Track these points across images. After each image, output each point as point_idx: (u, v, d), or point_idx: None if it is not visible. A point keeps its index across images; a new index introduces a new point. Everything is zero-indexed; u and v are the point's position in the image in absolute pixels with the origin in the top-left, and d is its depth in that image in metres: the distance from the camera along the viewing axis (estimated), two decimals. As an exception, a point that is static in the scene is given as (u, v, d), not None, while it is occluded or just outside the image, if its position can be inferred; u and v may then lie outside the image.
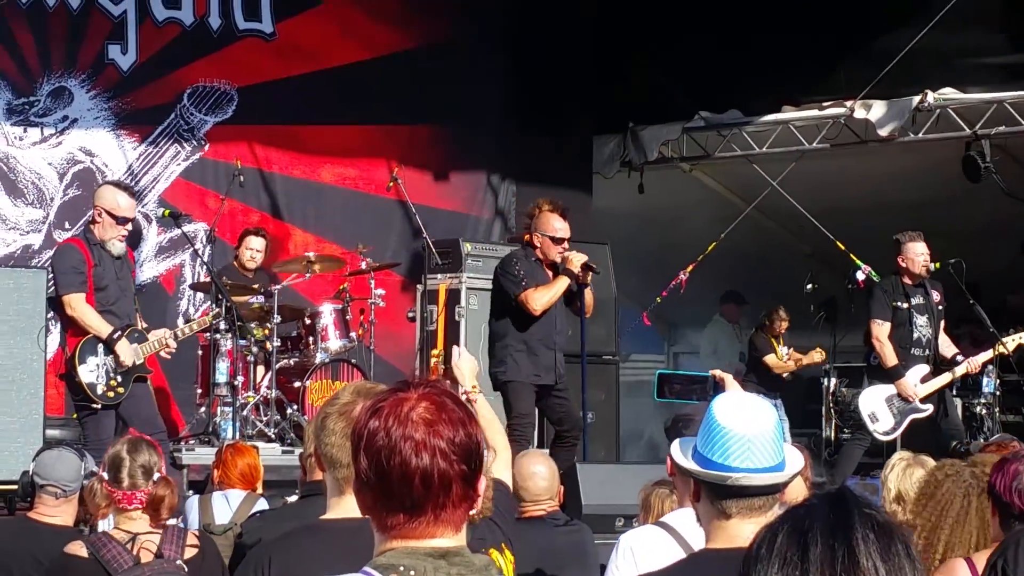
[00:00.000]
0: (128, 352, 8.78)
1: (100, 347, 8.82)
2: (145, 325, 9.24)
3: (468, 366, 4.63)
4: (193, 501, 7.51)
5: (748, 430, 3.23)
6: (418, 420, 2.34)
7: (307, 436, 4.26)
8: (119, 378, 8.81)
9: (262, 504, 7.23)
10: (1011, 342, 10.98)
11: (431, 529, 2.35)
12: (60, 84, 12.11)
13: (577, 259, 9.35)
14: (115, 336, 8.76)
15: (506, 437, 4.69)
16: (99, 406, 8.77)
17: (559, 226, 9.38)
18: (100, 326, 8.78)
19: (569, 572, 6.05)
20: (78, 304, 8.77)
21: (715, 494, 3.28)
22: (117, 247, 8.87)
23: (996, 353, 10.92)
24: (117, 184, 9.44)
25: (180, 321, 9.25)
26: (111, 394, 8.80)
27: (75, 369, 8.75)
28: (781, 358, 13.60)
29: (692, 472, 3.32)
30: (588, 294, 9.57)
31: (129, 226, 8.92)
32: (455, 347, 4.43)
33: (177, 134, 12.60)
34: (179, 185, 12.50)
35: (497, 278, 9.76)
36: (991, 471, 4.42)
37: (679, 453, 3.37)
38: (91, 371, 8.77)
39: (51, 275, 8.97)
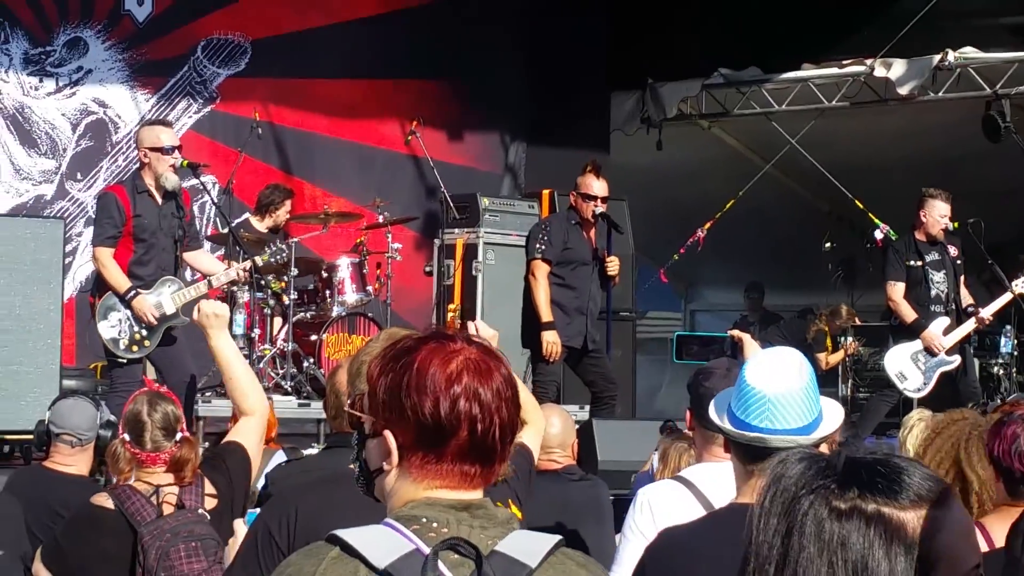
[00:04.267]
0: (146, 307, 8.58)
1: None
2: (206, 271, 9.00)
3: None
4: None
5: (772, 390, 3.23)
6: (476, 370, 2.24)
7: (332, 386, 4.16)
8: (144, 331, 8.68)
9: (280, 457, 7.17)
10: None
11: (457, 482, 2.26)
12: (76, 35, 12.06)
13: (613, 267, 9.80)
14: (130, 295, 8.56)
15: (539, 409, 4.61)
16: (124, 361, 8.64)
17: (594, 184, 9.72)
18: (119, 283, 8.60)
19: (585, 527, 6.01)
20: (103, 257, 8.61)
21: (739, 451, 3.33)
22: (171, 180, 8.61)
23: (1012, 298, 10.63)
24: (151, 122, 9.52)
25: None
26: (135, 348, 8.64)
27: (97, 325, 8.62)
28: (826, 360, 13.39)
29: (719, 428, 3.37)
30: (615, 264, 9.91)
31: (177, 154, 8.67)
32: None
33: (190, 86, 12.54)
34: (189, 138, 12.39)
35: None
36: (987, 436, 4.27)
37: (713, 407, 3.39)
38: (112, 327, 8.61)
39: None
